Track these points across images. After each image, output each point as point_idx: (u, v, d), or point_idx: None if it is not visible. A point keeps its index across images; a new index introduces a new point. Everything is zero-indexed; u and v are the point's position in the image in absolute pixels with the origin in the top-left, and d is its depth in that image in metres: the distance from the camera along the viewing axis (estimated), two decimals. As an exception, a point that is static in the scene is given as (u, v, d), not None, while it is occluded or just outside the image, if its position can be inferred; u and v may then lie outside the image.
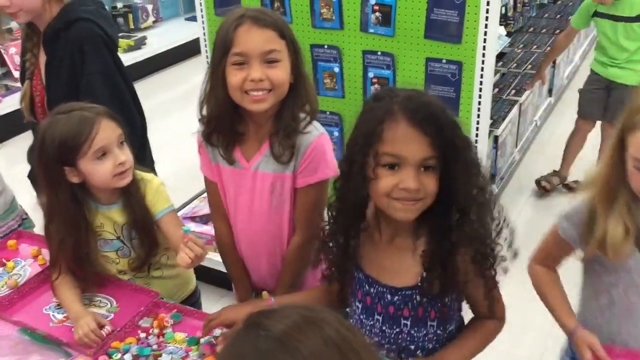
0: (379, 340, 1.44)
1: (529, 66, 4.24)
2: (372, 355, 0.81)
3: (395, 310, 1.40)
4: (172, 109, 5.28)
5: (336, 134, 3.03)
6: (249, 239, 1.78)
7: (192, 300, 1.95)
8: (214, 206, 1.82)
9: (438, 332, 1.43)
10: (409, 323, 1.40)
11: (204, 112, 1.65)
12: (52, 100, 2.07)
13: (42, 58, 2.12)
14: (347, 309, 1.55)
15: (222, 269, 2.85)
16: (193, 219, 3.16)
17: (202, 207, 3.34)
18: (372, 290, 1.42)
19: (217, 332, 1.58)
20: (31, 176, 2.29)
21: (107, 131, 1.60)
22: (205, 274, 2.21)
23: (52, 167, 1.60)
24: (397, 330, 1.42)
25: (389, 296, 1.40)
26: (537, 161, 4.27)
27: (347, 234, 1.40)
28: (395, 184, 1.24)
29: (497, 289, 1.43)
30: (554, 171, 3.91)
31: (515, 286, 3.02)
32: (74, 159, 1.58)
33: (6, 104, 4.62)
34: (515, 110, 3.78)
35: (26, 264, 1.88)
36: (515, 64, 4.21)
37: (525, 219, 3.63)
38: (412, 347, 1.43)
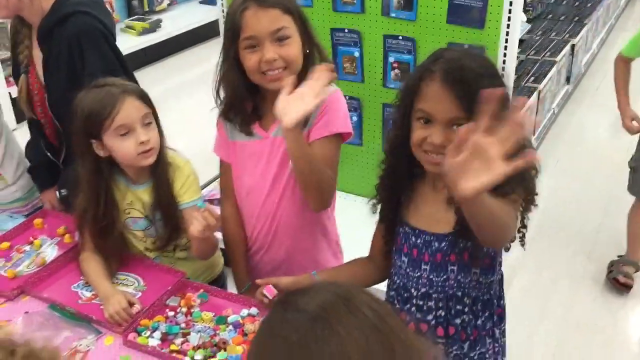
0: (426, 290, 1.48)
1: (548, 53, 4.21)
2: (408, 332, 0.81)
3: (442, 257, 1.45)
4: (187, 91, 5.28)
5: (355, 118, 3.03)
6: (268, 214, 1.77)
7: (218, 284, 1.95)
8: (224, 189, 1.83)
9: (481, 280, 1.48)
10: (455, 269, 1.45)
11: (221, 94, 1.69)
12: (54, 99, 2.02)
13: (37, 54, 2.04)
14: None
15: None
16: (211, 201, 3.17)
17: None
18: (418, 241, 1.48)
19: (244, 312, 1.60)
20: (31, 171, 2.24)
21: (130, 110, 1.60)
22: None
23: (80, 138, 1.63)
24: (444, 277, 1.47)
25: (436, 243, 1.45)
26: (554, 150, 4.25)
27: (397, 187, 1.49)
28: (425, 137, 1.35)
29: None
30: (621, 257, 3.10)
31: (532, 273, 3.04)
32: (98, 133, 1.61)
33: (23, 85, 4.63)
34: (534, 97, 3.76)
35: (53, 243, 1.90)
36: (534, 51, 4.18)
37: (542, 206, 3.61)
38: (459, 293, 1.47)
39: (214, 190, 3.27)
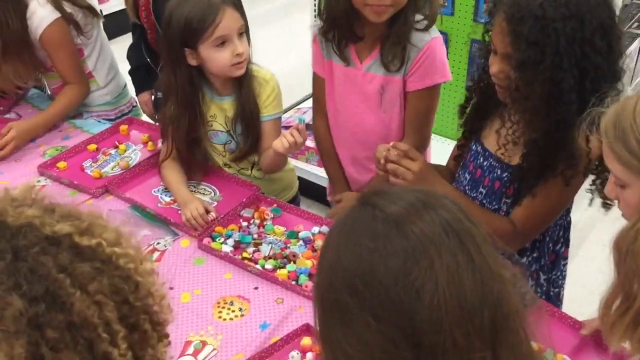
0: None
1: (657, -2, 3.89)
2: (491, 247, 0.76)
3: (500, 186, 1.43)
4: (273, 19, 5.25)
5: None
6: (353, 141, 1.78)
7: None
8: (316, 102, 1.85)
9: None
10: (510, 202, 1.43)
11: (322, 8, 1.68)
12: (158, 5, 2.06)
13: None
14: None
15: (323, 183, 2.84)
16: (287, 128, 3.18)
17: (296, 118, 3.36)
18: (485, 163, 1.46)
19: (316, 229, 1.62)
20: (131, 73, 2.35)
21: (230, 20, 1.60)
22: (306, 187, 2.20)
23: (174, 46, 1.63)
24: (497, 206, 1.46)
25: (499, 171, 1.44)
26: (650, 103, 3.98)
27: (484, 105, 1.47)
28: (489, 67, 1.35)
29: (542, 202, 1.37)
30: None
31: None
32: (195, 42, 1.60)
33: (114, 3, 4.74)
34: (635, 44, 3.50)
35: (137, 149, 1.97)
36: (641, -5, 3.87)
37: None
38: None
39: (291, 117, 3.29)
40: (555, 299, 1.59)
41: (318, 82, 1.81)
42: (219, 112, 1.76)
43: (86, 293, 0.63)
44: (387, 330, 0.70)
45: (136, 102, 2.36)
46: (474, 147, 1.51)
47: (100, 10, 4.91)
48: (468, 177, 1.51)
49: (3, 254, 0.62)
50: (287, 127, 3.14)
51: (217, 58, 1.62)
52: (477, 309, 0.70)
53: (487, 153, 1.46)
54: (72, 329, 0.62)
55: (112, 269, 0.67)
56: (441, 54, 1.64)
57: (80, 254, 0.66)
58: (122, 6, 2.39)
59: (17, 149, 1.95)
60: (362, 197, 0.80)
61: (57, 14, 1.95)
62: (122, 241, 0.71)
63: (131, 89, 2.38)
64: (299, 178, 2.10)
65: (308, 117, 3.25)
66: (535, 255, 1.51)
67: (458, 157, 1.59)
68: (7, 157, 1.93)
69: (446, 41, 2.90)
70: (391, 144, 1.41)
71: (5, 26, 1.87)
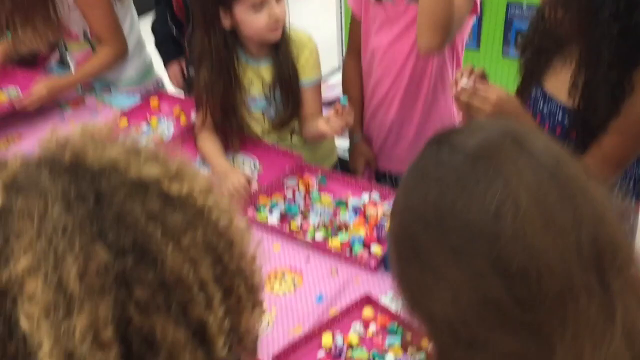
0: None
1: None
2: (591, 183, 0.66)
3: (562, 132, 1.36)
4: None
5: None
6: (388, 80, 1.71)
7: None
8: (351, 42, 1.82)
9: None
10: (573, 146, 1.33)
11: None
12: None
13: None
14: None
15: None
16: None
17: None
18: (545, 109, 1.39)
19: (365, 196, 1.52)
20: (158, 45, 2.26)
21: None
22: (343, 163, 2.10)
23: (209, 7, 1.53)
24: None
25: (560, 116, 1.36)
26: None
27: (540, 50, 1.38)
28: None
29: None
30: None
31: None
32: (232, 2, 1.51)
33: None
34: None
35: (169, 123, 1.89)
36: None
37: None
38: None
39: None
40: None
41: (355, 24, 1.76)
42: (256, 78, 1.66)
43: (179, 247, 0.52)
44: (469, 263, 0.62)
45: (162, 82, 2.26)
46: (533, 93, 1.42)
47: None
48: None
49: (84, 198, 0.51)
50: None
51: (252, 20, 1.53)
52: (569, 225, 0.61)
53: (547, 97, 1.38)
54: (164, 288, 0.51)
55: (205, 222, 0.56)
56: None
57: (171, 202, 0.54)
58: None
59: (43, 104, 1.92)
60: (434, 136, 0.72)
61: None
62: (215, 192, 0.59)
63: (157, 68, 2.29)
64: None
65: (337, 91, 3.16)
66: None
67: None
68: (32, 109, 1.90)
69: (479, 6, 2.78)
70: (464, 70, 1.28)
71: None
